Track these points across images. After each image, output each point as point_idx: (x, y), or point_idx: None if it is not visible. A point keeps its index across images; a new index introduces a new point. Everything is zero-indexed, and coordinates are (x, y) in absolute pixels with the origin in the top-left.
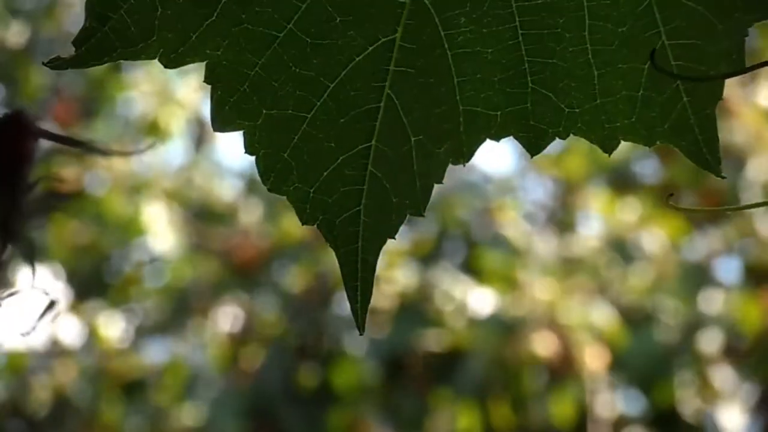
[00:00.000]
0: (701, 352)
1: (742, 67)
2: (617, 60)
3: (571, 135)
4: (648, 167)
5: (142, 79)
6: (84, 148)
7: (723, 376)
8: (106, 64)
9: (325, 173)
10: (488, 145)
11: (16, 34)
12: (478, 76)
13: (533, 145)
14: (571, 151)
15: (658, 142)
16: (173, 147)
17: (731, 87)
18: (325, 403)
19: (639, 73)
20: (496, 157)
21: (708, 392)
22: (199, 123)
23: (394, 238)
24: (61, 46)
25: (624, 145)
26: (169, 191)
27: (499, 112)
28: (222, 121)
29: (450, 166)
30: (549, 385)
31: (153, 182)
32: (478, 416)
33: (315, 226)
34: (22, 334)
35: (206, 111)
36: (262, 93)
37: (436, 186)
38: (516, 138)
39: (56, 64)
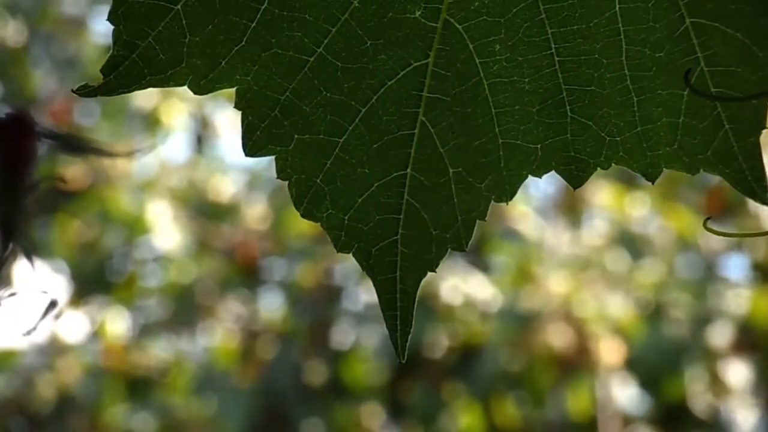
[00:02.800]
0: (712, 347)
1: None
2: (656, 86)
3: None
4: None
5: None
6: (85, 150)
7: (734, 371)
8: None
9: (360, 200)
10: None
11: (13, 32)
12: (516, 107)
13: (575, 178)
14: None
15: (701, 170)
16: (176, 144)
17: None
18: (335, 399)
19: (679, 99)
20: None
21: (719, 387)
22: (202, 119)
23: (434, 271)
24: (58, 45)
25: None
26: (173, 189)
27: (539, 145)
28: (253, 146)
29: None
30: (565, 379)
31: (157, 180)
32: (492, 411)
33: (351, 254)
34: (24, 334)
35: (211, 110)
36: (293, 118)
37: None
38: (557, 172)
39: (85, 92)
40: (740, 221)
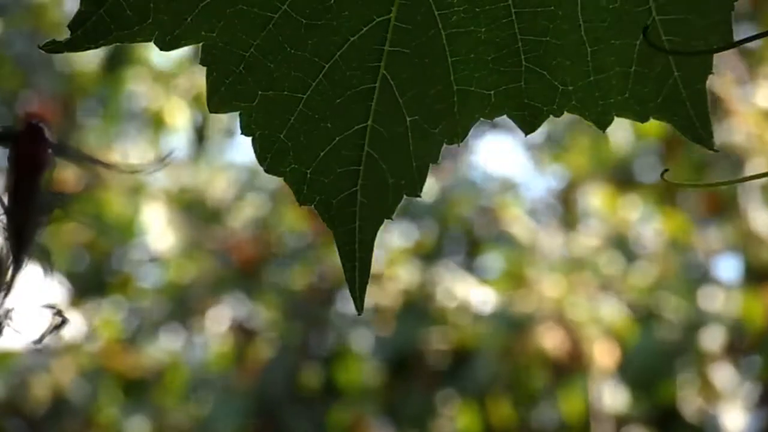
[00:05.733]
0: (703, 350)
1: (730, 40)
2: (610, 36)
3: (567, 114)
4: (649, 165)
5: (140, 76)
6: (98, 165)
7: (725, 374)
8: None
9: (322, 154)
10: (486, 134)
11: None
12: (471, 55)
13: (528, 124)
14: (572, 148)
15: (651, 118)
16: (175, 145)
17: (729, 86)
18: (329, 402)
19: (631, 49)
20: (497, 154)
21: (709, 391)
22: (200, 120)
23: (391, 218)
24: (40, 43)
25: (626, 143)
26: (168, 191)
27: (492, 92)
28: (218, 102)
29: (452, 163)
30: (558, 382)
31: (152, 181)
32: (485, 415)
33: (312, 206)
34: (32, 344)
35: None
36: (257, 74)
37: (437, 184)
38: (510, 117)
39: (51, 48)
40: (733, 222)
